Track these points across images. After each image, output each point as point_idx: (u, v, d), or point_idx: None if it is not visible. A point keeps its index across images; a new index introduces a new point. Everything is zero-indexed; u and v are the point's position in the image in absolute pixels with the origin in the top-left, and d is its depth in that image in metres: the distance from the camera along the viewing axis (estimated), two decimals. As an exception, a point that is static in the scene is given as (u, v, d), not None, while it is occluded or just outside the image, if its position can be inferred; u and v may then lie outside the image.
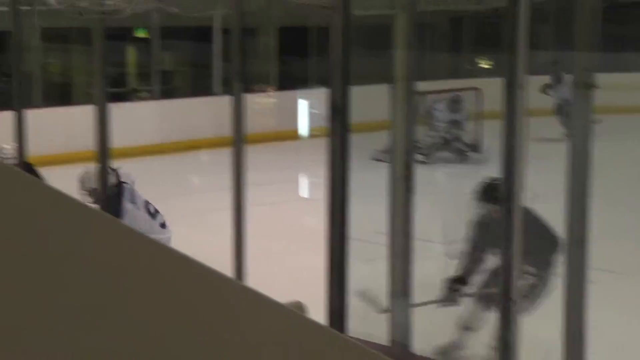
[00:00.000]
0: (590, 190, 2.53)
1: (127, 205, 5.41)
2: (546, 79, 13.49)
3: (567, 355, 2.65)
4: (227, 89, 12.41)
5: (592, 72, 2.42)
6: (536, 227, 4.61)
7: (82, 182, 5.51)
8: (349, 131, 2.33)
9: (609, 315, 5.33)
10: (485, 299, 4.87)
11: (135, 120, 13.75)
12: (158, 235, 5.22)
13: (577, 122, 2.44)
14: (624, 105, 13.29)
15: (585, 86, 2.39)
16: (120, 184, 5.52)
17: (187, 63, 16.78)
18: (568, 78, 11.20)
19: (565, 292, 2.64)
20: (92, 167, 5.43)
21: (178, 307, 0.80)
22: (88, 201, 5.38)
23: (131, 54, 16.33)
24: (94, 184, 5.29)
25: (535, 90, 11.75)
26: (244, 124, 2.95)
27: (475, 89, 12.91)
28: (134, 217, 5.35)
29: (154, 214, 5.49)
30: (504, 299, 2.35)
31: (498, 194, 4.62)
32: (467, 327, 5.03)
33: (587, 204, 2.55)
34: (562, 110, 12.63)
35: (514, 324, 2.34)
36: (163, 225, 5.53)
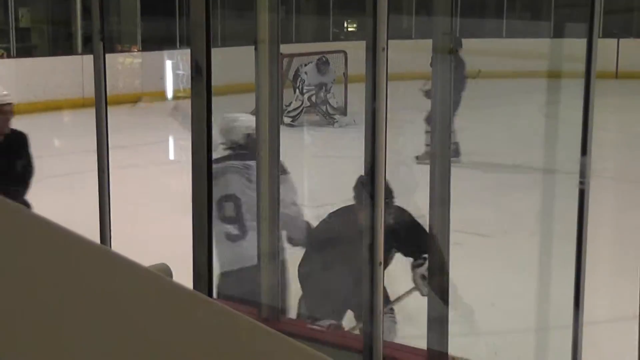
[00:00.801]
0: (449, 153, 2.61)
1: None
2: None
3: (430, 312, 2.74)
4: (89, 48, 12.00)
5: (452, 37, 2.48)
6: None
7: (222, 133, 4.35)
8: (211, 92, 2.29)
9: (476, 273, 5.56)
10: None
11: (-10, 79, 13.19)
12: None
13: (438, 85, 2.51)
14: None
15: (445, 50, 2.45)
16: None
17: (46, 20, 16.09)
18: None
19: (430, 253, 2.72)
20: (233, 116, 4.57)
21: (39, 271, 0.77)
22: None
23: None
24: (229, 134, 4.33)
25: (412, 54, 11.93)
26: (105, 84, 2.86)
27: (342, 52, 13.03)
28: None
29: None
30: (371, 263, 2.39)
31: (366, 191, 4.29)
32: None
33: (449, 165, 2.63)
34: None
35: (379, 288, 2.39)
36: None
